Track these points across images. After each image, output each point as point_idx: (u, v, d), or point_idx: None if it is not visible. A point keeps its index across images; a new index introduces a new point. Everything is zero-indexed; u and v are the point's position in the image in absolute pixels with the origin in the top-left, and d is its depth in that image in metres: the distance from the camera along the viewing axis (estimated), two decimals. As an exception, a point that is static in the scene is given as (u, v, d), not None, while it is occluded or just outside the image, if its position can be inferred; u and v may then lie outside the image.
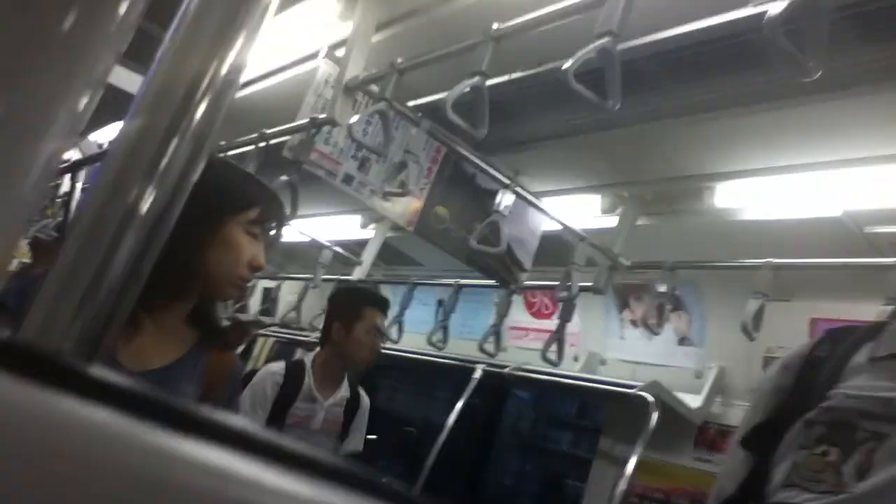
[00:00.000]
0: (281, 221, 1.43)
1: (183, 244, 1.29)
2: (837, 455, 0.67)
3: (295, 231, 3.96)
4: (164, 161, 0.60)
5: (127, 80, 2.61)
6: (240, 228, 1.33)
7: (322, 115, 2.20)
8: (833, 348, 0.80)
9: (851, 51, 1.75)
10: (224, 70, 0.63)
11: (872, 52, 1.74)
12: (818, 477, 0.67)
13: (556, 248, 2.71)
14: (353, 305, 2.71)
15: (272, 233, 1.43)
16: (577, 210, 2.88)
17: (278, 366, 2.70)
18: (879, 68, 1.78)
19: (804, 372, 0.80)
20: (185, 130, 0.60)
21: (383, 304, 2.79)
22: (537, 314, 3.73)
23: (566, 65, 1.38)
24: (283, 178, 2.23)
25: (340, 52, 2.35)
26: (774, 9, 1.09)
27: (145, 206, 0.60)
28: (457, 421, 3.40)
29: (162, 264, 1.29)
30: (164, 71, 0.64)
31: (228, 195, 1.34)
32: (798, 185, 2.32)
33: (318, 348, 2.78)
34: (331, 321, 2.71)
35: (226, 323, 4.91)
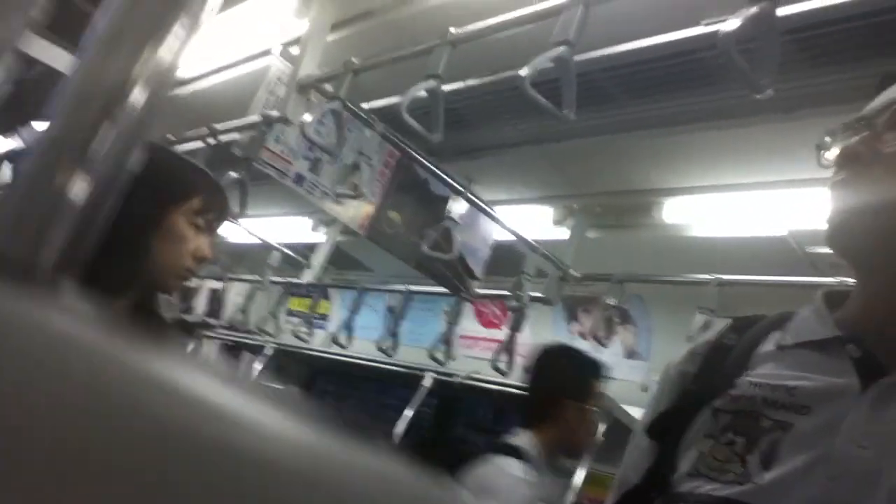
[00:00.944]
0: (225, 211, 1.40)
1: (125, 236, 1.25)
2: (743, 444, 0.67)
3: (244, 232, 3.89)
4: (96, 149, 0.56)
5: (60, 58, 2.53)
6: (184, 219, 1.30)
7: (274, 113, 2.15)
8: (740, 336, 0.80)
9: (797, 74, 1.79)
10: (161, 56, 0.60)
11: (817, 76, 1.78)
12: (723, 466, 0.67)
13: (508, 258, 2.71)
14: (585, 379, 2.16)
15: (216, 223, 1.39)
16: (530, 220, 2.88)
17: (516, 464, 1.90)
18: (824, 93, 1.82)
19: (710, 358, 0.80)
20: (119, 117, 0.57)
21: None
22: (487, 324, 3.72)
23: (523, 72, 1.38)
24: (233, 174, 2.18)
25: (295, 50, 2.32)
26: (730, 26, 1.10)
27: (75, 196, 0.56)
28: (406, 430, 3.36)
29: (102, 257, 1.26)
30: (97, 57, 0.60)
31: (171, 184, 1.30)
32: (745, 203, 2.36)
33: (525, 430, 2.05)
34: (555, 394, 2.08)
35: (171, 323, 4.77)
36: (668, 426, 0.77)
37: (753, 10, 1.11)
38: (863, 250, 0.73)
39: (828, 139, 0.79)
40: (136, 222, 1.25)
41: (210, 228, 1.36)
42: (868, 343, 0.69)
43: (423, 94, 1.66)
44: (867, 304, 0.74)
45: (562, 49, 1.40)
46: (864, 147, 0.72)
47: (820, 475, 0.62)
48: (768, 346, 0.77)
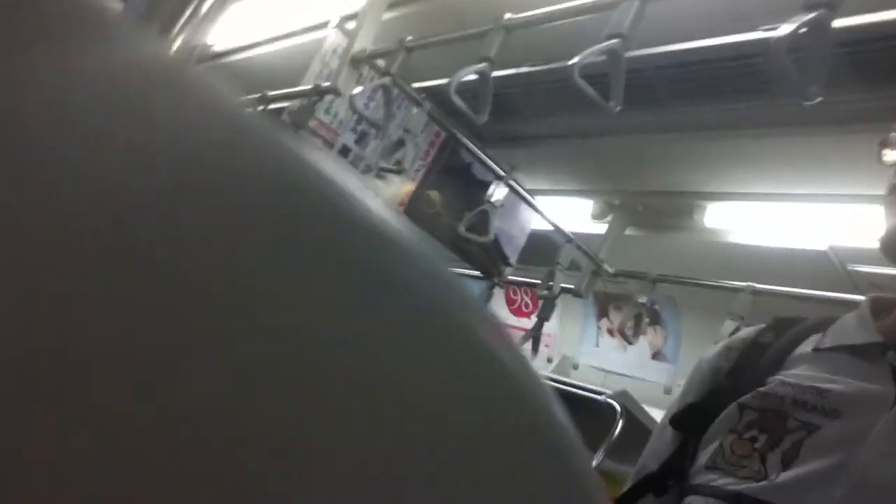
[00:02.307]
0: None
1: None
2: (765, 442, 0.66)
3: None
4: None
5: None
6: None
7: (326, 84, 2.19)
8: (778, 336, 0.79)
9: (850, 88, 1.77)
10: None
11: (870, 91, 1.75)
12: (741, 462, 0.66)
13: (543, 248, 2.72)
14: None
15: None
16: (568, 212, 2.88)
17: None
18: (876, 109, 1.79)
19: (745, 356, 0.79)
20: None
21: None
22: (517, 311, 3.74)
23: (573, 61, 1.39)
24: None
25: (352, 25, 2.34)
26: (783, 30, 1.09)
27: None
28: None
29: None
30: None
31: None
32: (787, 214, 2.33)
33: None
34: None
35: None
36: (693, 418, 0.77)
37: (808, 16, 1.11)
38: None
39: (893, 136, 0.76)
40: None
41: None
42: None
43: (472, 76, 1.68)
44: None
45: (614, 42, 1.40)
46: None
47: (841, 481, 0.61)
48: (806, 347, 0.76)
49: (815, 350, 0.74)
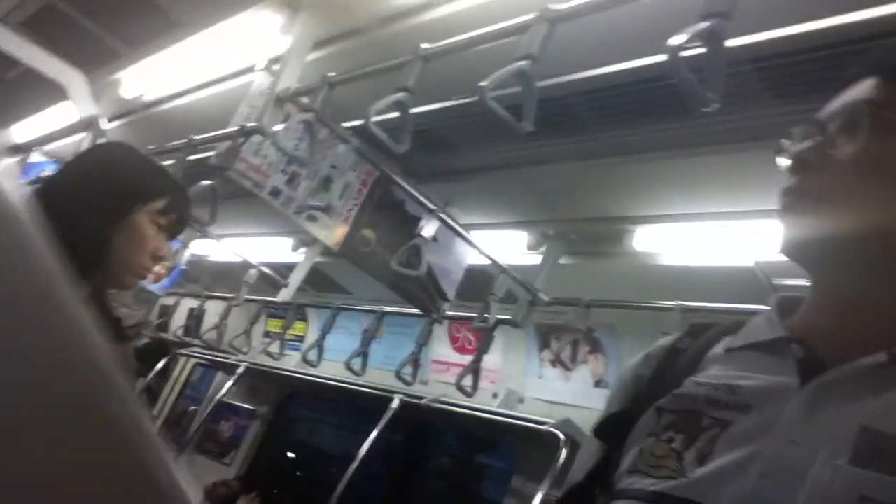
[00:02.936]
0: (187, 216, 1.43)
1: (88, 231, 1.29)
2: (682, 442, 0.68)
3: (225, 250, 3.90)
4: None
5: (45, 63, 2.56)
6: (147, 217, 1.34)
7: (251, 125, 2.19)
8: (693, 341, 0.81)
9: (763, 104, 1.84)
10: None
11: (783, 106, 1.82)
12: (660, 462, 0.67)
13: (482, 283, 2.73)
14: None
15: (178, 227, 1.43)
16: (504, 245, 2.91)
17: None
18: (789, 122, 1.85)
19: (664, 362, 0.81)
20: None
21: None
22: (461, 349, 3.72)
23: (483, 83, 1.41)
24: (205, 182, 2.20)
25: (278, 67, 2.35)
26: (678, 38, 1.14)
27: None
28: (371, 451, 3.34)
29: (63, 246, 1.28)
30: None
31: (138, 184, 1.35)
32: (713, 233, 2.39)
33: None
34: None
35: (146, 340, 4.76)
36: (616, 427, 0.78)
37: (702, 25, 1.15)
38: (812, 255, 0.74)
39: (786, 142, 0.80)
40: (100, 219, 1.29)
41: (171, 230, 1.40)
42: (813, 344, 0.70)
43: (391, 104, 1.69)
44: (815, 306, 0.75)
45: (524, 63, 1.44)
46: (815, 154, 0.73)
47: (752, 471, 0.62)
48: (719, 349, 0.78)
49: (727, 350, 0.77)
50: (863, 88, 0.74)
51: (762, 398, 0.68)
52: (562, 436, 2.62)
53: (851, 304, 0.71)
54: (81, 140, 2.73)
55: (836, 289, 0.73)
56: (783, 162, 0.80)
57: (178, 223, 1.42)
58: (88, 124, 2.33)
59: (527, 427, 2.80)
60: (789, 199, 0.76)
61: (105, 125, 2.74)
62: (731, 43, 1.59)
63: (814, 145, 0.74)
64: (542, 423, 2.70)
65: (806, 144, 0.76)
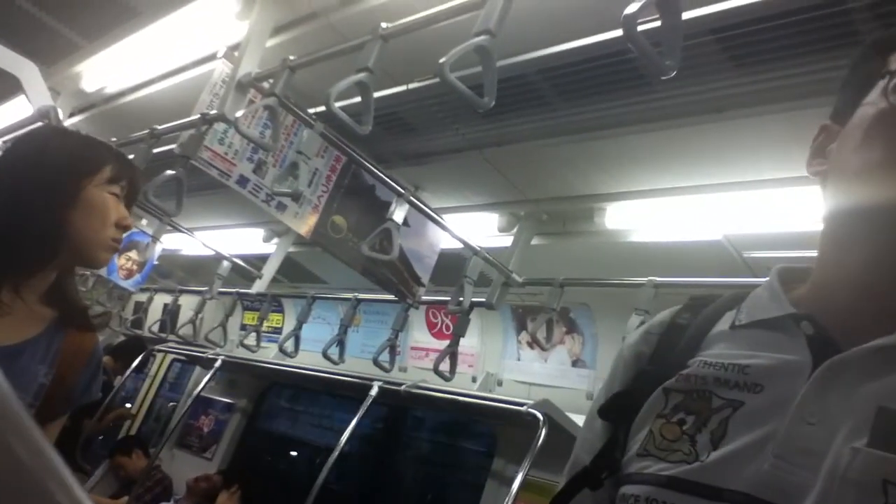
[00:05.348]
0: (137, 180, 1.41)
1: (41, 214, 1.26)
2: (693, 423, 0.66)
3: (198, 244, 3.86)
4: None
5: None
6: (100, 190, 1.32)
7: (213, 112, 2.15)
8: (694, 316, 0.79)
9: (724, 75, 1.83)
10: None
11: (744, 76, 1.82)
12: (672, 446, 0.66)
13: (455, 266, 2.72)
14: None
15: (131, 193, 1.40)
16: (476, 228, 2.90)
17: None
18: (751, 92, 1.86)
19: (665, 339, 0.79)
20: None
21: None
22: (438, 334, 3.72)
23: (443, 59, 1.39)
24: (169, 172, 2.16)
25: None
26: (632, 7, 1.12)
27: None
28: (351, 440, 3.32)
29: (17, 237, 1.25)
30: None
31: (79, 159, 1.33)
32: (682, 208, 2.39)
33: None
34: None
35: (122, 338, 4.72)
36: (621, 407, 0.76)
37: (657, -7, 1.14)
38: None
39: None
40: (53, 200, 1.26)
41: (127, 197, 1.38)
42: (822, 321, 0.68)
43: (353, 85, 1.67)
44: (825, 283, 0.72)
45: (483, 38, 1.42)
46: None
47: (767, 452, 0.61)
48: (722, 325, 0.76)
49: (732, 327, 0.75)
50: None
51: (774, 377, 0.66)
52: (541, 416, 2.61)
53: (882, 280, 0.66)
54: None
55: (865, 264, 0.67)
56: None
57: (131, 188, 1.39)
58: (44, 115, 2.27)
59: (506, 409, 2.79)
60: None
61: (63, 117, 2.68)
62: (690, 14, 1.60)
63: None
64: (521, 405, 2.69)
65: None
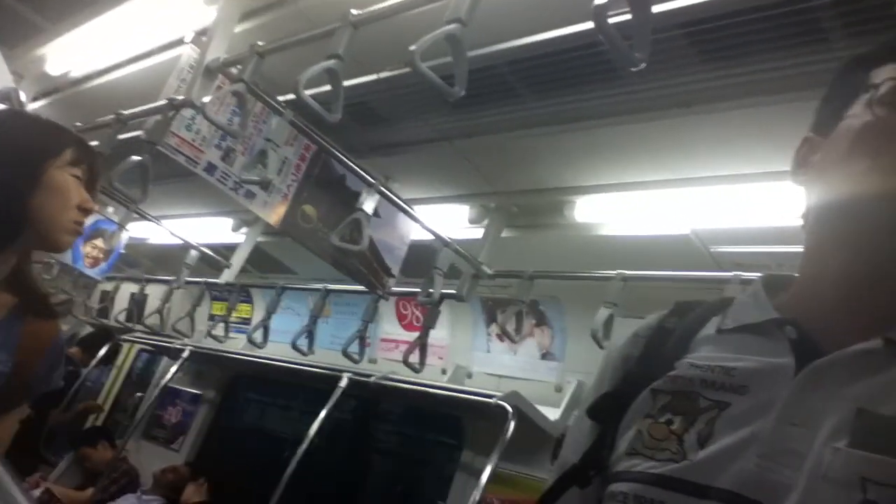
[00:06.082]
0: (97, 163, 1.39)
1: (2, 195, 1.23)
2: (680, 423, 0.68)
3: (166, 233, 3.80)
4: None
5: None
6: (62, 172, 1.30)
7: (179, 97, 2.12)
8: (681, 320, 0.82)
9: (692, 69, 1.84)
10: None
11: (711, 70, 1.83)
12: (660, 445, 0.68)
13: (426, 258, 2.71)
14: None
15: (93, 176, 1.38)
16: (447, 219, 2.89)
17: None
18: (718, 87, 1.87)
19: (653, 342, 0.81)
20: None
21: None
22: (409, 326, 3.71)
23: (413, 47, 1.38)
24: (135, 157, 2.13)
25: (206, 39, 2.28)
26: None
27: None
28: (320, 432, 3.31)
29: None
30: None
31: (39, 141, 1.31)
32: (651, 202, 2.41)
33: None
34: None
35: (89, 328, 4.64)
36: (609, 407, 0.78)
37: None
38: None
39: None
40: (14, 184, 1.24)
41: (89, 180, 1.36)
42: (805, 325, 0.70)
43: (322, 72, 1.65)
44: (808, 288, 0.74)
45: (453, 27, 1.41)
46: None
47: (751, 452, 0.63)
48: (709, 329, 0.78)
49: (718, 331, 0.77)
50: None
51: (758, 380, 0.68)
52: (510, 408, 2.62)
53: (864, 284, 0.68)
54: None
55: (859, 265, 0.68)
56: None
57: (92, 172, 1.38)
58: (5, 98, 2.22)
59: (475, 401, 2.79)
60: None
61: (26, 100, 2.62)
62: (660, 7, 1.60)
63: None
64: (490, 397, 2.70)
65: None
